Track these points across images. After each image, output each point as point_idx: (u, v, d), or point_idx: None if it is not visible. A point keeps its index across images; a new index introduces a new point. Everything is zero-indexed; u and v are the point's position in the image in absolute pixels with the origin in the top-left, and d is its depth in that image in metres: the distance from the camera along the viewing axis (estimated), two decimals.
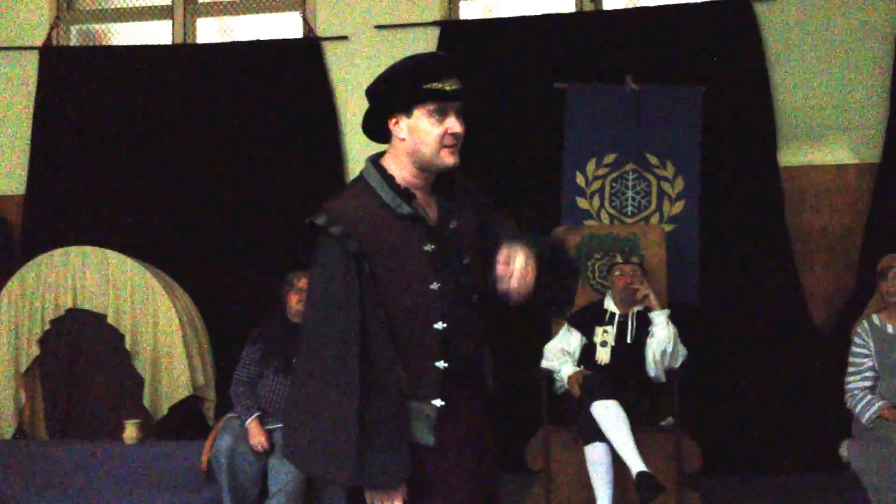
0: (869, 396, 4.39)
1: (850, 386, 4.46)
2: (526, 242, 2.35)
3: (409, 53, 2.51)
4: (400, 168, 2.41)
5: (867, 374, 4.43)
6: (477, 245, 2.46)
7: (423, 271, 2.35)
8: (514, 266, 2.31)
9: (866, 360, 4.45)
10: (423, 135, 2.36)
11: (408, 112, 2.37)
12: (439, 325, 2.35)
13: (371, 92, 2.43)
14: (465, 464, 2.36)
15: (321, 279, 2.35)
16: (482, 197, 2.56)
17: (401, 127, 2.38)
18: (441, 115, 2.36)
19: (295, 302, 5.03)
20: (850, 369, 4.48)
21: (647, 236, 5.46)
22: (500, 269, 2.32)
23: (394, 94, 2.37)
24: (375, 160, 2.44)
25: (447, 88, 2.35)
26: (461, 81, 2.39)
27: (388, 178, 2.39)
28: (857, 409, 4.39)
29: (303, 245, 2.39)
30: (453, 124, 2.37)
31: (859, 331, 4.51)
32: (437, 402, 2.34)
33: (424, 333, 2.35)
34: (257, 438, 4.78)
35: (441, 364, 2.35)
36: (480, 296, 2.43)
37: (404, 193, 2.38)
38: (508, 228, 2.50)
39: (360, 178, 2.43)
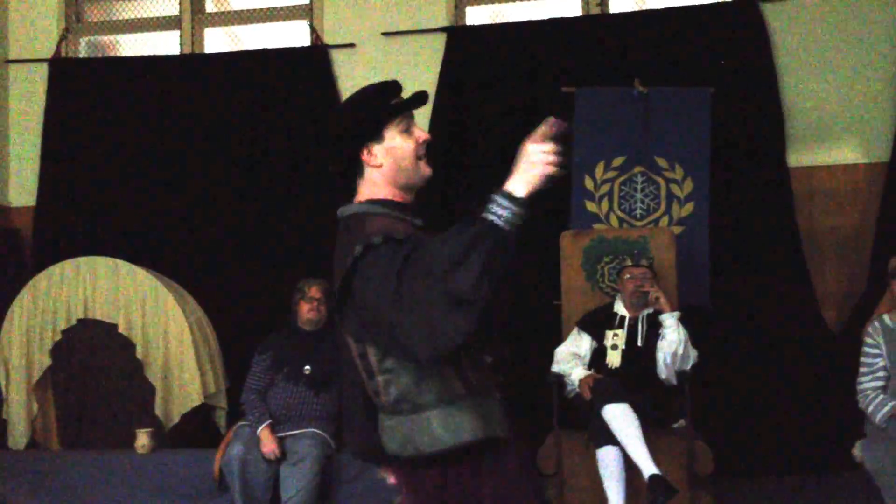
0: (881, 396, 4.36)
1: (862, 386, 4.44)
2: None
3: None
4: (386, 194, 2.41)
5: (879, 374, 4.41)
6: None
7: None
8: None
9: (878, 359, 4.42)
10: (401, 151, 2.39)
11: (378, 137, 2.38)
12: None
13: (334, 133, 2.43)
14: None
15: (378, 269, 2.21)
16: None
17: (374, 154, 2.39)
18: (409, 128, 2.40)
19: (306, 310, 5.04)
20: (862, 369, 4.45)
21: (656, 239, 5.44)
22: None
23: (361, 122, 2.39)
24: (359, 203, 2.40)
25: (408, 99, 2.41)
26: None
27: (389, 202, 2.39)
28: (870, 410, 4.37)
29: (345, 283, 2.28)
30: (421, 133, 2.42)
31: (870, 331, 4.49)
32: (497, 395, 2.40)
33: None
34: (269, 447, 4.79)
35: (488, 358, 2.39)
36: None
37: (410, 209, 2.42)
38: None
39: (357, 214, 2.38)
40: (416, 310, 2.13)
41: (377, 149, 2.39)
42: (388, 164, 2.39)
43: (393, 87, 2.42)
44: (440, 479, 2.31)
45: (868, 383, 4.42)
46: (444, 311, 2.10)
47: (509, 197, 2.25)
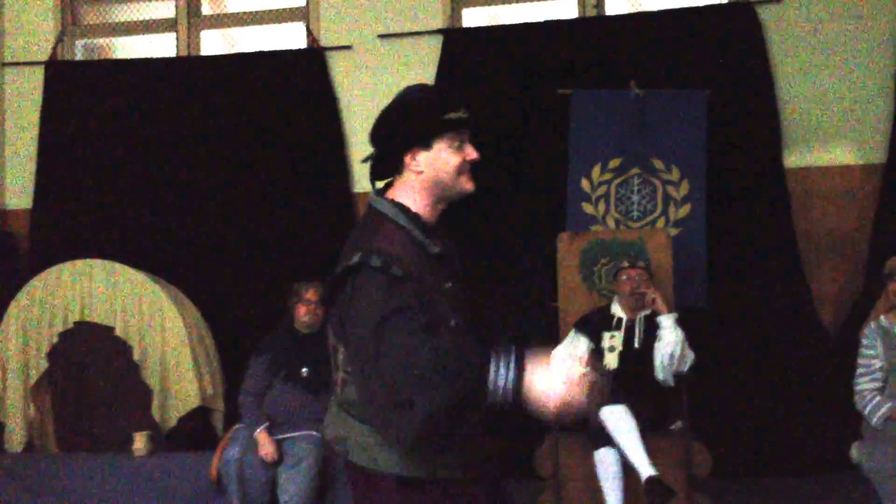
0: (878, 398, 4.37)
1: (859, 388, 4.44)
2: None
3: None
4: (416, 203, 2.41)
5: (876, 375, 4.41)
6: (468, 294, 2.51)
7: (443, 308, 2.36)
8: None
9: (875, 360, 4.43)
10: (444, 165, 2.39)
11: (426, 145, 2.38)
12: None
13: (383, 131, 2.42)
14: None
15: (369, 307, 2.24)
16: (460, 262, 2.57)
17: (418, 161, 2.39)
18: (461, 145, 2.41)
19: (303, 313, 5.03)
20: (859, 370, 4.46)
21: (653, 240, 5.45)
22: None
23: (412, 127, 2.38)
24: (390, 199, 2.42)
25: (464, 117, 2.41)
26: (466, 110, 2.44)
27: (414, 217, 2.39)
28: (867, 411, 4.38)
29: (338, 283, 2.32)
30: (471, 152, 2.42)
31: (867, 332, 4.49)
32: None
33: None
34: (266, 449, 4.79)
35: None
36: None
37: (432, 232, 2.41)
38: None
39: (383, 215, 2.39)
40: (385, 391, 2.17)
41: (422, 156, 2.39)
42: (429, 173, 2.40)
43: (453, 100, 2.41)
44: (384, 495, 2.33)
45: (865, 384, 4.42)
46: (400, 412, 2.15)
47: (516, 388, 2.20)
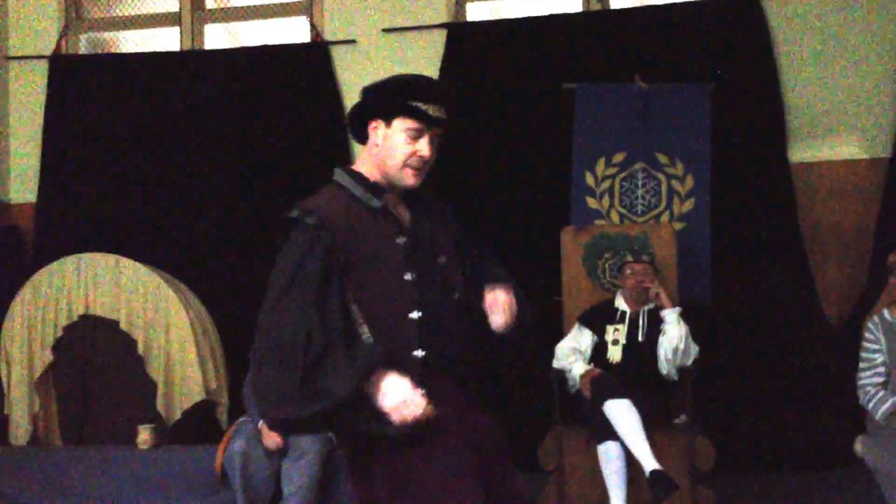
0: (882, 393, 4.36)
1: (861, 382, 4.43)
2: (505, 282, 2.53)
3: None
4: (370, 171, 2.49)
5: (879, 369, 4.40)
6: (454, 253, 2.55)
7: (396, 262, 2.41)
8: (500, 303, 2.48)
9: (878, 355, 4.42)
10: (393, 149, 2.44)
11: (388, 121, 2.45)
12: (415, 315, 2.40)
13: (365, 90, 2.51)
14: (453, 453, 2.35)
15: (282, 262, 2.40)
16: (456, 223, 2.64)
17: (378, 133, 2.46)
18: (416, 135, 2.43)
19: None
20: (862, 365, 4.45)
21: (657, 235, 5.45)
22: (488, 308, 2.48)
23: (381, 98, 2.45)
24: (345, 166, 2.54)
25: (430, 112, 2.43)
26: (449, 113, 2.47)
27: (358, 176, 2.48)
28: (870, 406, 4.36)
29: (281, 242, 2.46)
30: (423, 148, 2.44)
31: (870, 326, 4.48)
32: (419, 353, 2.39)
33: (401, 323, 2.39)
34: (271, 438, 4.79)
35: (418, 353, 2.39)
36: (463, 294, 2.51)
37: (374, 188, 2.46)
38: (486, 267, 2.61)
39: (331, 181, 2.51)
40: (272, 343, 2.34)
41: (381, 130, 2.46)
42: (381, 149, 2.46)
43: (435, 94, 2.45)
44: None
45: (868, 379, 4.41)
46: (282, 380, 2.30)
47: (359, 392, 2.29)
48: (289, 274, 2.35)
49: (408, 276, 2.41)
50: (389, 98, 2.44)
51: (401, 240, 2.44)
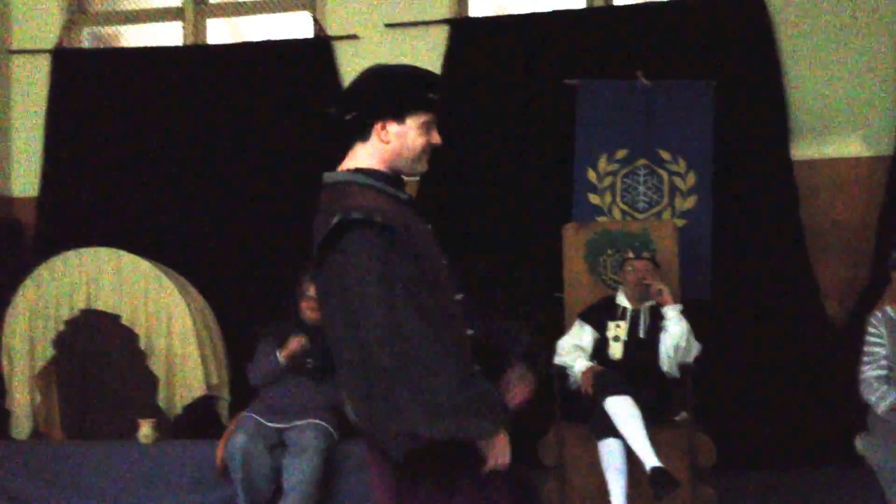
0: (885, 387, 4.36)
1: (864, 375, 4.43)
2: (524, 371, 2.56)
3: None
4: (378, 166, 2.46)
5: (882, 362, 4.40)
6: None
7: (433, 248, 2.41)
8: (517, 390, 2.53)
9: (881, 349, 4.42)
10: (412, 143, 2.43)
11: (400, 118, 2.42)
12: (459, 296, 2.45)
13: (364, 93, 2.45)
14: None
15: (364, 268, 2.24)
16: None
17: (388, 131, 2.42)
18: (429, 127, 2.45)
19: (305, 307, 5.04)
20: (865, 358, 4.44)
21: (659, 231, 5.45)
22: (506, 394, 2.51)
23: (393, 97, 2.42)
24: (345, 171, 2.44)
25: (440, 102, 2.46)
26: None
27: (377, 173, 2.43)
28: (873, 399, 4.36)
29: (335, 248, 2.30)
30: (435, 136, 2.47)
31: (873, 320, 4.48)
32: (476, 368, 2.37)
33: (453, 304, 2.41)
34: (293, 344, 4.84)
35: (469, 331, 2.43)
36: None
37: (397, 182, 2.46)
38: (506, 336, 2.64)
39: (341, 183, 2.41)
40: (410, 367, 2.17)
41: (392, 128, 2.42)
42: (395, 146, 2.43)
43: (436, 82, 2.48)
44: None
45: (870, 372, 4.41)
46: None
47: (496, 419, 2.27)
48: (385, 283, 2.22)
49: (444, 261, 2.44)
50: (403, 95, 2.42)
51: (429, 226, 2.47)
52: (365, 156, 2.44)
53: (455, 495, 2.35)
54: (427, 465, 2.31)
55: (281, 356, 4.93)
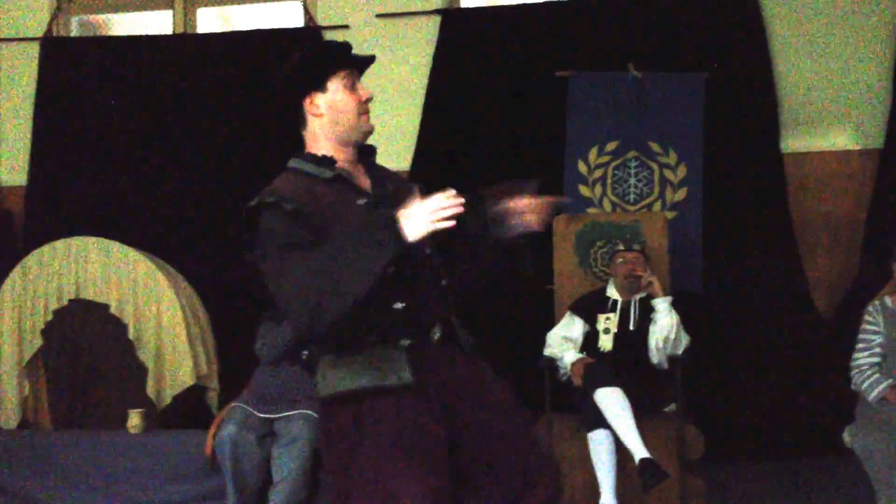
0: (877, 374, 4.38)
1: (857, 362, 4.45)
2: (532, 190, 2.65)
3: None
4: (319, 147, 2.53)
5: (876, 350, 4.43)
6: None
7: (359, 223, 2.42)
8: (533, 207, 2.66)
9: (876, 336, 4.44)
10: (343, 105, 2.50)
11: (322, 87, 2.49)
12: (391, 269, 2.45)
13: (281, 85, 2.54)
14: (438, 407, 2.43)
15: (268, 243, 2.44)
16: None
17: (316, 105, 2.50)
18: (353, 84, 2.50)
19: None
20: (859, 346, 4.47)
21: (649, 224, 5.45)
22: (511, 206, 2.64)
23: (305, 72, 2.50)
24: (292, 159, 2.59)
25: (353, 55, 2.52)
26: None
27: (307, 155, 2.53)
28: (864, 386, 4.38)
29: (246, 229, 2.54)
30: (364, 91, 2.51)
31: (870, 310, 4.51)
32: (405, 342, 2.42)
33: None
34: None
35: (399, 305, 2.42)
36: (436, 249, 2.53)
37: (324, 161, 2.51)
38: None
39: (286, 170, 2.57)
40: (296, 293, 2.30)
41: (320, 99, 2.50)
42: (329, 115, 2.50)
43: (342, 45, 2.53)
44: (339, 420, 2.43)
45: (864, 359, 4.43)
46: (323, 299, 2.27)
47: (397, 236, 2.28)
48: (284, 247, 2.37)
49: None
50: (317, 64, 2.49)
51: (361, 201, 2.48)
52: (311, 140, 2.55)
53: (366, 426, 2.39)
54: (345, 406, 2.41)
55: None
